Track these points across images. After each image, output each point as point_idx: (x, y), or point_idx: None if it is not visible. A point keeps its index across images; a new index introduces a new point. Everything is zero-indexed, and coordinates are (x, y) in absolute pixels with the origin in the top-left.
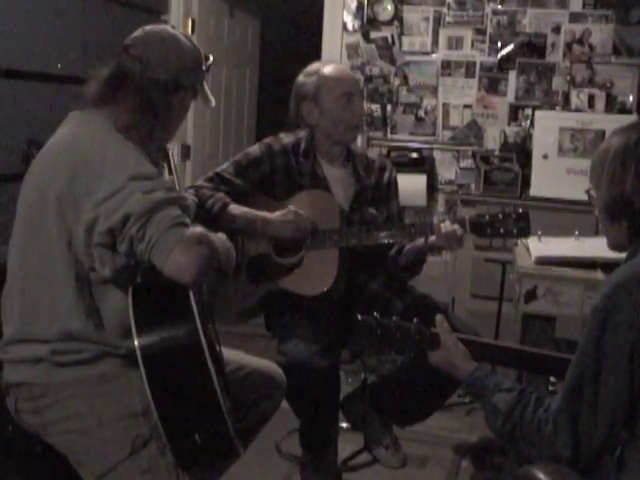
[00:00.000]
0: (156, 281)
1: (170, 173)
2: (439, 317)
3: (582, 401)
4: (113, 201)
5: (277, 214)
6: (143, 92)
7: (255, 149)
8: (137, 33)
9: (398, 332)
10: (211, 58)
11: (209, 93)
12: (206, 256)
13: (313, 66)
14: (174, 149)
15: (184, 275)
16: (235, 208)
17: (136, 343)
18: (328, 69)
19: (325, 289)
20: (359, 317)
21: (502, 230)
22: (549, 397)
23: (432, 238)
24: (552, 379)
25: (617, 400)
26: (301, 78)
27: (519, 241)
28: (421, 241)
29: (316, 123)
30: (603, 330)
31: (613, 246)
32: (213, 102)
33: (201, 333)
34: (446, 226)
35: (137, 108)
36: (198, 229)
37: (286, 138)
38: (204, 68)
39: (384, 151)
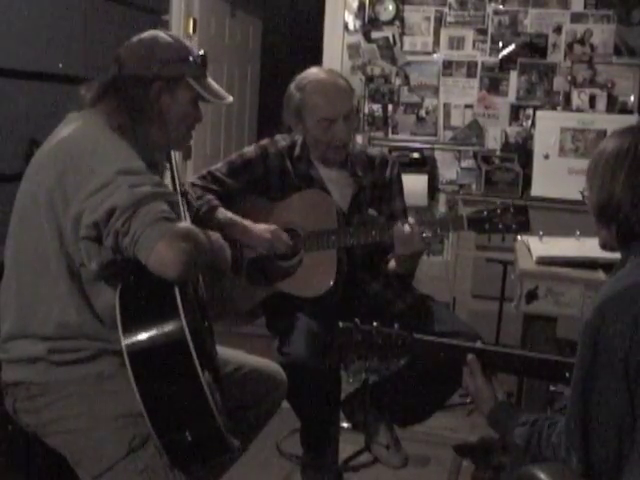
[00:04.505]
0: (143, 279)
1: (172, 174)
2: (471, 357)
3: (586, 418)
4: (100, 195)
5: (259, 227)
6: (122, 90)
7: (250, 150)
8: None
9: (379, 338)
10: (202, 51)
11: (218, 89)
12: (191, 252)
13: (305, 77)
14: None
15: (167, 270)
16: (221, 212)
17: (123, 342)
18: (315, 87)
19: (324, 291)
20: (340, 324)
21: (501, 225)
22: (560, 418)
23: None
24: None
25: (620, 412)
26: (292, 87)
27: (520, 240)
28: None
29: (303, 135)
30: (595, 345)
31: (603, 246)
32: (228, 98)
33: (186, 329)
34: (398, 229)
35: (120, 106)
36: (184, 224)
37: (282, 141)
38: (192, 60)
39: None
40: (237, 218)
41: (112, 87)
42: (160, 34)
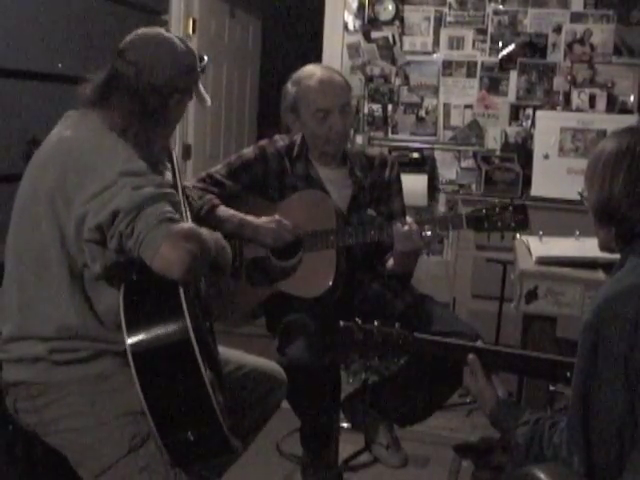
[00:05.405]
0: (147, 279)
1: (173, 174)
2: (472, 357)
3: (587, 419)
4: (103, 197)
5: (262, 220)
6: (138, 97)
7: (249, 151)
8: (131, 37)
9: (380, 337)
10: (206, 58)
11: (204, 93)
12: (195, 252)
13: (301, 73)
14: (175, 149)
15: (172, 271)
16: (223, 210)
17: (127, 342)
18: (310, 81)
19: (323, 291)
20: (340, 323)
21: (500, 223)
22: (561, 418)
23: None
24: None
25: (621, 413)
26: (288, 84)
27: (519, 240)
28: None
29: (300, 132)
30: (595, 345)
31: (602, 248)
32: (209, 102)
33: (190, 330)
34: (397, 227)
35: (132, 112)
36: (188, 225)
37: (281, 141)
38: (199, 69)
39: (385, 151)
40: (239, 214)
41: (122, 90)
42: (175, 40)
